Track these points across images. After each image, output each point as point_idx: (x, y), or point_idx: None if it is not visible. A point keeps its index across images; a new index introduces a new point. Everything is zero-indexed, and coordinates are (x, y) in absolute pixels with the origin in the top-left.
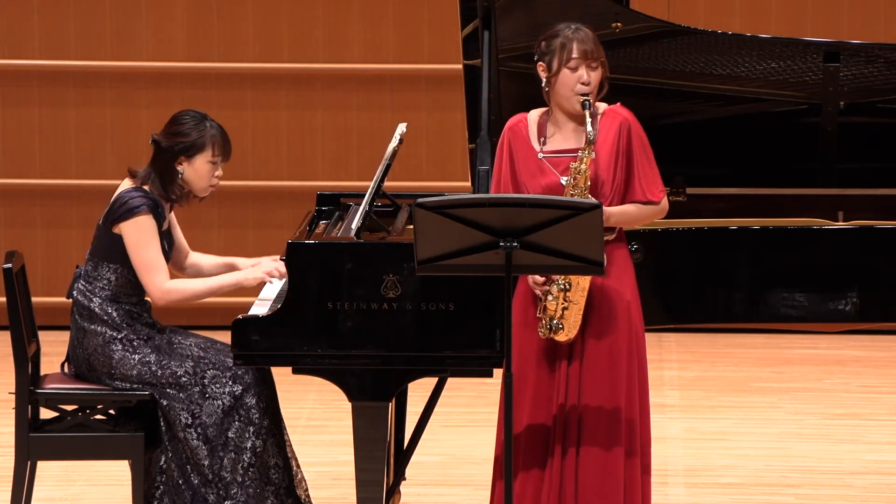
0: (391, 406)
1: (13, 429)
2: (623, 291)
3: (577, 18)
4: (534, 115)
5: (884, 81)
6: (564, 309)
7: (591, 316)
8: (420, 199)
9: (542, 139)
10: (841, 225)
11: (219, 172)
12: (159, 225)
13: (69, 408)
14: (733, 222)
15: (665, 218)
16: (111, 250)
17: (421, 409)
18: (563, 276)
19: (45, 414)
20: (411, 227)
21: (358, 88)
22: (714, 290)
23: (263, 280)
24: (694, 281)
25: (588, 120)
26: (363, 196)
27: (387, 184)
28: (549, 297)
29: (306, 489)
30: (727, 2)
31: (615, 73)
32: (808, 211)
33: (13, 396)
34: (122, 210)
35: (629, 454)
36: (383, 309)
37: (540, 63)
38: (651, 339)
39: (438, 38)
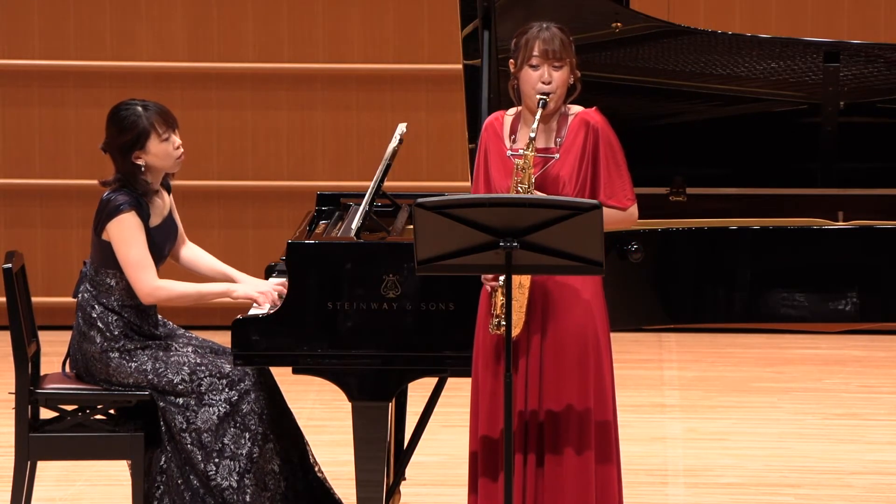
0: (391, 406)
1: (13, 429)
2: (582, 290)
3: (577, 18)
4: (511, 112)
5: (884, 81)
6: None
7: (547, 314)
8: (420, 199)
9: (512, 137)
10: (841, 225)
11: (178, 142)
12: (145, 223)
13: (69, 408)
14: (733, 222)
15: (665, 218)
16: (105, 257)
17: (421, 409)
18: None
19: (45, 414)
20: (411, 227)
21: (358, 88)
22: (714, 290)
23: (253, 299)
24: (694, 281)
25: (536, 118)
26: (363, 196)
27: (387, 184)
28: (498, 294)
29: (325, 478)
30: (727, 2)
31: (615, 73)
32: (808, 211)
33: (13, 396)
34: (106, 211)
35: (581, 450)
36: (383, 309)
37: (510, 60)
38: (651, 338)
39: (438, 38)
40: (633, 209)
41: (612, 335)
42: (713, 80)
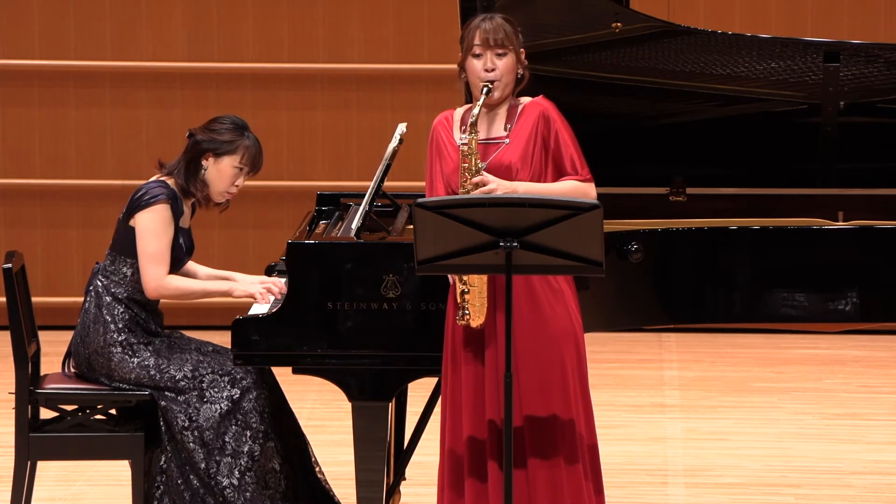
0: (391, 406)
1: (13, 429)
2: (555, 282)
3: (577, 18)
4: (460, 109)
5: (884, 81)
6: (465, 293)
7: (522, 308)
8: (420, 199)
9: (463, 128)
10: (841, 225)
11: (240, 181)
12: (176, 219)
13: (69, 408)
14: (733, 222)
15: (665, 218)
16: (127, 244)
17: (421, 409)
18: None
19: (45, 414)
20: (411, 227)
21: (358, 88)
22: (714, 290)
23: (252, 295)
24: (694, 281)
25: (479, 104)
26: (363, 196)
27: (387, 184)
28: (456, 284)
29: (325, 479)
30: (727, 2)
31: (615, 73)
32: (808, 211)
33: (13, 396)
34: (141, 200)
35: (551, 451)
36: (383, 309)
37: (460, 54)
38: (651, 338)
39: (438, 38)
40: (593, 185)
41: (613, 335)
42: (713, 80)
